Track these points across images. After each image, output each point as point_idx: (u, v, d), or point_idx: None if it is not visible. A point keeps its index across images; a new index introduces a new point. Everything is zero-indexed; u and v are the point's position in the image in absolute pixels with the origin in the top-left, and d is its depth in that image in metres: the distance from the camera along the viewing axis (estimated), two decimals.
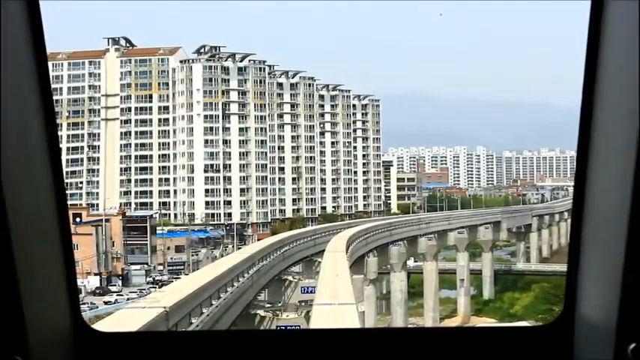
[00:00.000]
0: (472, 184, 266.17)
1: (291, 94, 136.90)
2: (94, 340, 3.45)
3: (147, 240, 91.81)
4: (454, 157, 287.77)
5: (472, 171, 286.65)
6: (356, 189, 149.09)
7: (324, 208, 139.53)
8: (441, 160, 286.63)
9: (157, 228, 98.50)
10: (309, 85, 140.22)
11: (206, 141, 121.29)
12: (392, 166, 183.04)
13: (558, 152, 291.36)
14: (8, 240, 2.87)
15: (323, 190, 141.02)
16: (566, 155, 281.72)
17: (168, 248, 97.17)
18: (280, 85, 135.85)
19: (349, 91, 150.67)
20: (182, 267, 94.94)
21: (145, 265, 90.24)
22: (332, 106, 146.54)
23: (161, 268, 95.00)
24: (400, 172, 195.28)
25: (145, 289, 78.38)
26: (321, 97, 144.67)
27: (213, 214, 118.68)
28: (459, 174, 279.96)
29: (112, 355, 3.49)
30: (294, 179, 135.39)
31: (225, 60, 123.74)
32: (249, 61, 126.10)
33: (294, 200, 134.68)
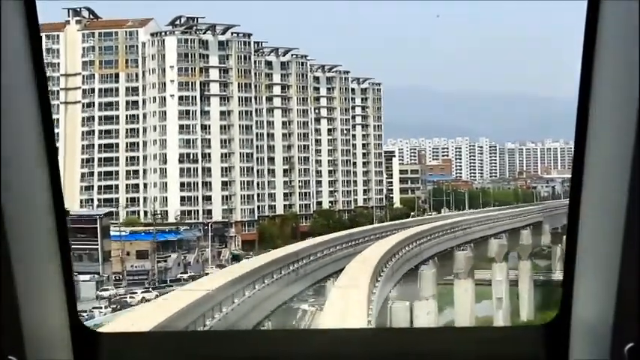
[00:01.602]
0: (475, 176, 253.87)
1: (281, 75, 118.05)
2: (90, 341, 3.44)
3: (97, 244, 73.74)
4: (456, 148, 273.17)
5: (475, 163, 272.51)
6: (355, 182, 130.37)
7: (319, 203, 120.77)
8: (443, 152, 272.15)
9: (114, 228, 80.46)
10: (302, 64, 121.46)
11: (181, 127, 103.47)
12: (394, 156, 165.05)
13: (562, 143, 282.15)
14: (5, 240, 2.89)
15: (318, 183, 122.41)
16: (570, 146, 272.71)
17: (128, 254, 78.90)
18: (269, 63, 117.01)
19: (347, 72, 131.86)
20: (145, 277, 77.26)
21: (96, 275, 72.67)
22: (328, 89, 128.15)
23: (119, 277, 76.99)
24: (402, 164, 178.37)
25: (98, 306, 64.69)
26: (316, 79, 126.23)
27: (189, 212, 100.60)
28: (461, 166, 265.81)
29: (109, 356, 3.48)
30: (285, 171, 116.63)
31: (204, 33, 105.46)
32: (232, 34, 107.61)
33: (285, 195, 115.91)
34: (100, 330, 3.56)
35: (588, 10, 3.01)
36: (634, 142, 2.84)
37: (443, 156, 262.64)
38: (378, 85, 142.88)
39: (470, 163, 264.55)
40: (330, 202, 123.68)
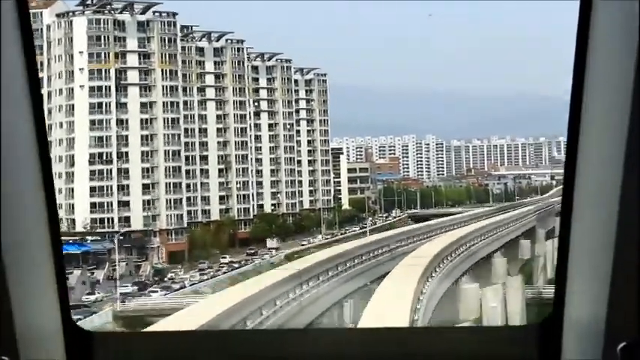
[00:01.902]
0: (422, 174, 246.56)
1: (215, 62, 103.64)
2: (83, 341, 3.43)
3: None
4: (403, 146, 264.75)
5: (422, 161, 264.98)
6: (300, 182, 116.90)
7: (261, 206, 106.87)
8: (390, 150, 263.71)
9: None
10: (239, 50, 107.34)
11: (93, 122, 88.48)
12: (342, 154, 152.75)
13: (509, 140, 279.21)
14: None
15: (259, 184, 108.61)
16: (517, 143, 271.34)
17: None
18: (201, 50, 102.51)
19: (290, 61, 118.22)
20: None
21: None
22: (269, 79, 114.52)
23: None
24: (350, 163, 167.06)
25: None
26: (255, 68, 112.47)
27: (102, 220, 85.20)
28: (408, 164, 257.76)
29: (102, 356, 3.47)
30: (220, 171, 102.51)
31: (120, 12, 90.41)
32: (154, 13, 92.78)
33: (221, 198, 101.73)
34: (93, 330, 3.55)
35: (581, 10, 3.02)
36: (626, 141, 2.83)
37: (390, 154, 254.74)
38: (324, 75, 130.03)
39: (417, 160, 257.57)
40: (272, 205, 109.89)
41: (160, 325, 32.18)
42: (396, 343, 3.61)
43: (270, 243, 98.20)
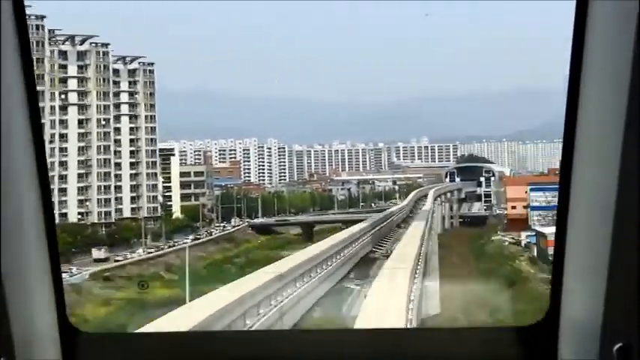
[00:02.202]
0: (264, 179, 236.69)
1: None
2: (79, 340, 3.44)
3: None
4: (244, 150, 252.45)
5: (264, 165, 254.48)
6: (119, 187, 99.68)
7: (63, 215, 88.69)
8: (230, 154, 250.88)
9: None
10: (37, 27, 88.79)
11: None
12: (173, 155, 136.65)
13: (349, 145, 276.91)
14: None
15: (62, 191, 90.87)
16: (357, 148, 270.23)
17: None
18: None
19: (107, 45, 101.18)
20: None
21: None
22: (80, 67, 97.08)
23: None
24: (184, 166, 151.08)
25: None
26: (63, 53, 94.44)
27: None
28: (249, 168, 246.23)
29: (98, 356, 3.51)
30: None
31: None
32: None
33: None
34: (88, 330, 3.47)
35: (577, 10, 3.01)
36: (623, 140, 2.81)
37: (231, 158, 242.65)
38: (151, 65, 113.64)
39: (259, 165, 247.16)
40: (79, 214, 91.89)
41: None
42: (393, 344, 3.58)
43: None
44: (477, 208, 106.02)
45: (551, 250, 54.95)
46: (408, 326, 27.29)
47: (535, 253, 61.60)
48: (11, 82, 2.89)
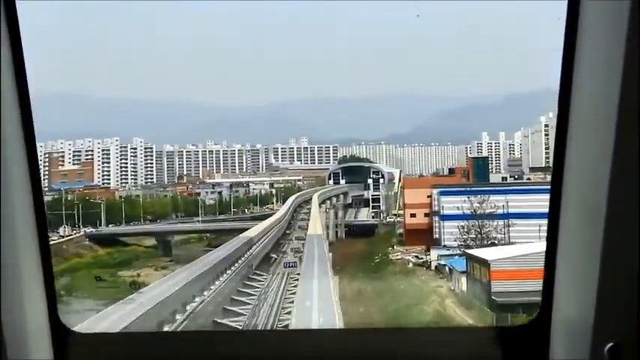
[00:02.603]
0: (127, 181, 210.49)
1: None
2: (70, 340, 3.43)
3: None
4: (103, 150, 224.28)
5: (127, 167, 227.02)
6: None
7: None
8: (86, 155, 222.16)
9: None
10: None
11: None
12: None
13: (225, 146, 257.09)
14: None
15: None
16: (233, 149, 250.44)
17: None
18: None
19: None
20: None
21: None
22: None
23: None
24: None
25: None
26: None
27: None
28: (109, 170, 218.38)
29: (89, 355, 3.48)
30: None
31: None
32: None
33: None
34: (80, 329, 3.49)
35: (569, 9, 3.03)
36: (614, 140, 2.85)
37: (87, 159, 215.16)
38: None
39: (121, 166, 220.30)
40: None
41: None
42: (383, 343, 3.55)
43: None
44: (365, 215, 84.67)
45: (498, 286, 35.93)
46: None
47: (464, 288, 41.03)
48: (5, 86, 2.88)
